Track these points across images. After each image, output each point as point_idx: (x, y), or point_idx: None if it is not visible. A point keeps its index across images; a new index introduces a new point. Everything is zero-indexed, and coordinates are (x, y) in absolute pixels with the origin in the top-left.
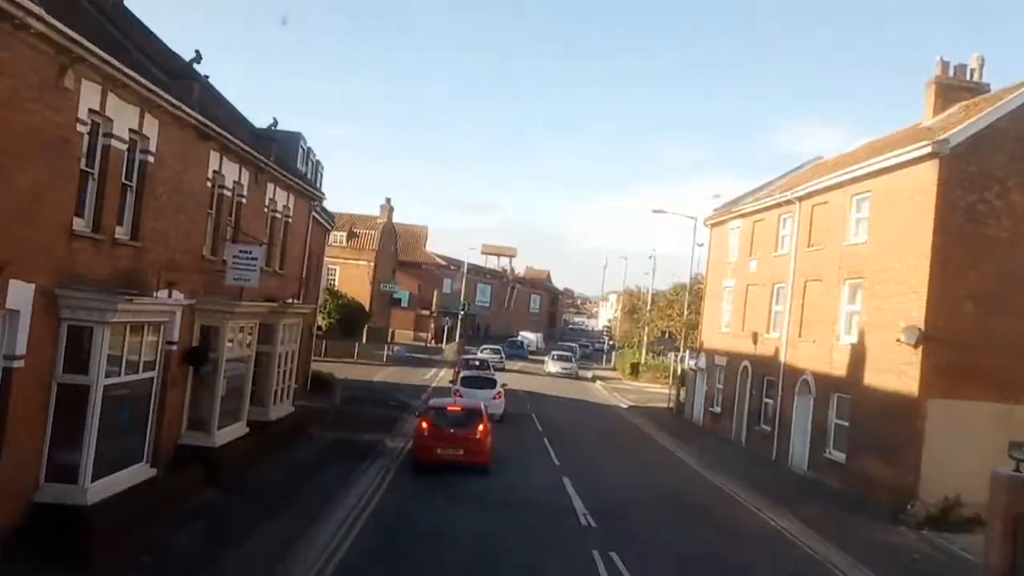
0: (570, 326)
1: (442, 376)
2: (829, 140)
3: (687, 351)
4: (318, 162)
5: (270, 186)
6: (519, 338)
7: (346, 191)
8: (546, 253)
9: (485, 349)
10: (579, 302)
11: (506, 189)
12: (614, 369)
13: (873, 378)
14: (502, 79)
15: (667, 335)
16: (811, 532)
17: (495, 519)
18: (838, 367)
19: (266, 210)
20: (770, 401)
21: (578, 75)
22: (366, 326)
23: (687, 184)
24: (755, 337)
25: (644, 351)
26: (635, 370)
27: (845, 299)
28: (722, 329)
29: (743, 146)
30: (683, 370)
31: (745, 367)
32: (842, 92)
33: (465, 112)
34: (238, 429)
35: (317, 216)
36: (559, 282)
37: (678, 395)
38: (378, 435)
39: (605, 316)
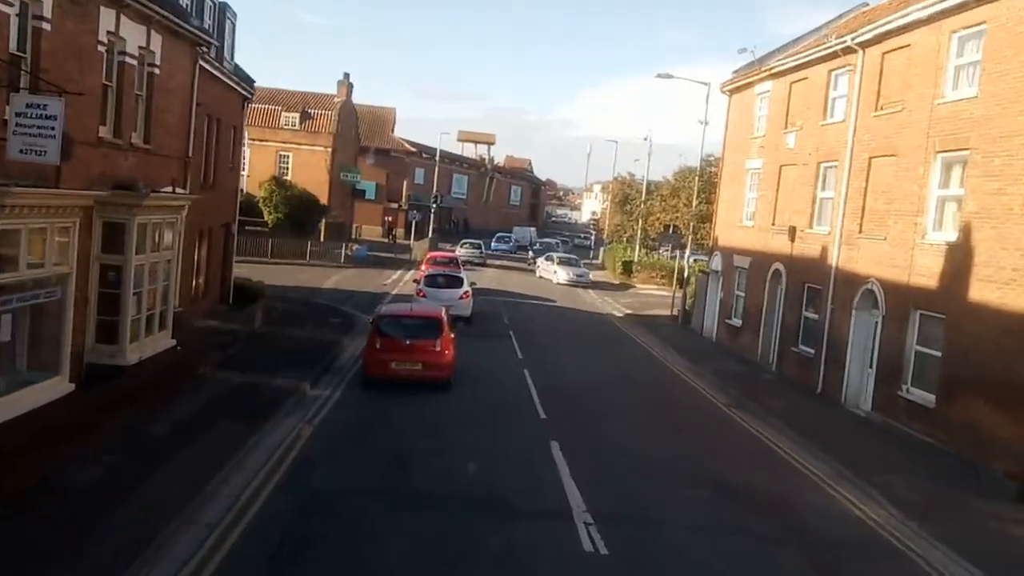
0: (552, 219)
1: (408, 279)
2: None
3: (695, 249)
4: (224, 4)
5: (106, 12)
6: (510, 234)
7: (308, 76)
8: (529, 144)
9: (465, 244)
10: (561, 194)
11: (487, 78)
12: (602, 268)
13: (985, 292)
14: None
15: (671, 229)
16: (910, 523)
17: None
18: (923, 274)
19: (101, 48)
20: (813, 316)
21: None
22: (323, 222)
23: (685, 70)
24: (792, 232)
25: (638, 247)
26: (627, 269)
27: (936, 180)
28: (743, 222)
29: (741, 26)
30: (689, 272)
31: (777, 270)
32: None
33: None
34: (51, 388)
35: (218, 74)
36: (541, 173)
37: (684, 302)
38: (299, 375)
39: (590, 208)
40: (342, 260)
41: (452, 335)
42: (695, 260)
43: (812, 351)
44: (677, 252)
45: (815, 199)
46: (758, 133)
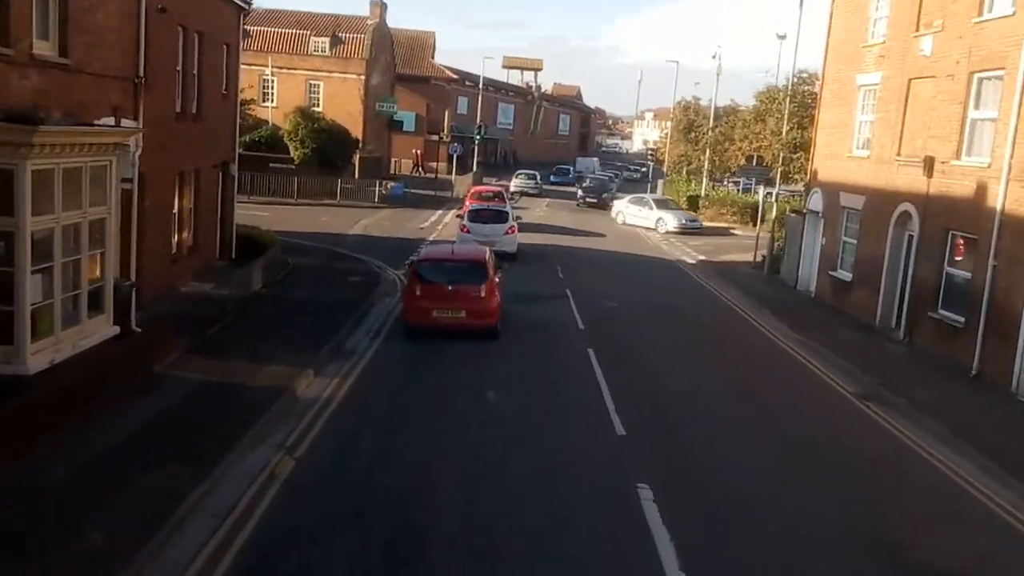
0: (603, 148)
1: (448, 222)
2: None
3: (785, 183)
4: None
5: None
6: (568, 165)
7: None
8: (575, 72)
9: (520, 175)
10: (611, 123)
11: (528, 5)
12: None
13: None
14: None
15: (754, 160)
16: None
17: None
18: None
19: None
20: (963, 273)
21: None
22: (357, 157)
23: None
24: (929, 164)
25: (705, 180)
26: (693, 205)
27: None
28: (853, 152)
29: None
30: (771, 209)
31: (904, 213)
32: None
33: None
34: None
35: None
36: (589, 102)
37: (771, 247)
38: (294, 359)
39: (641, 137)
40: (376, 199)
41: (498, 279)
42: (780, 195)
43: (961, 319)
44: (758, 186)
45: (965, 121)
46: (874, 39)
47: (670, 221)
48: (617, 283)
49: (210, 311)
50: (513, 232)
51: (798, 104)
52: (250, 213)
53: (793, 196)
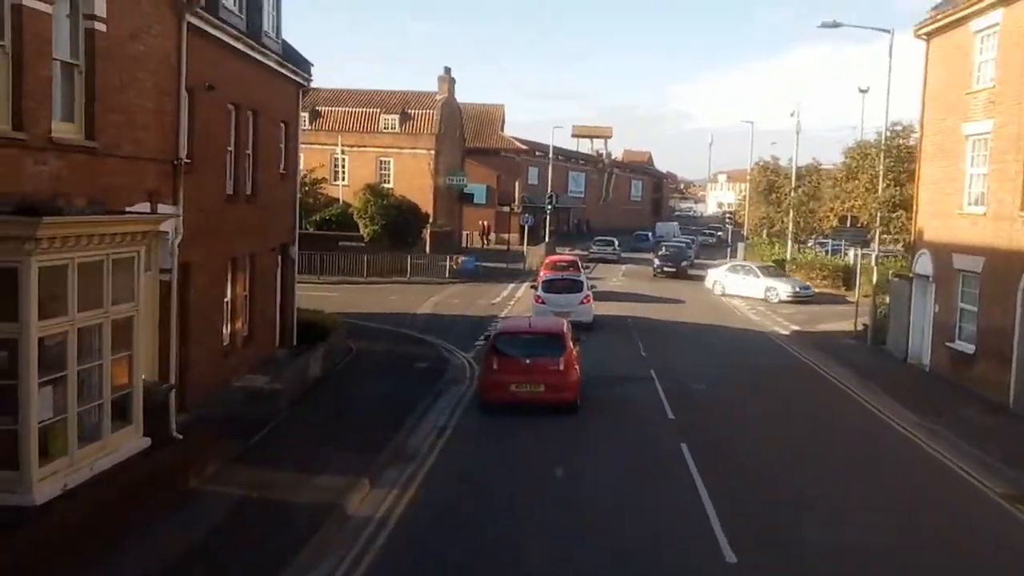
0: (676, 213)
1: (521, 296)
2: None
3: (883, 244)
4: None
5: None
6: (647, 232)
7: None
8: (643, 139)
9: (598, 242)
10: (682, 186)
11: (593, 76)
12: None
13: None
14: None
15: (848, 221)
16: None
17: None
18: None
19: None
20: None
21: None
22: (428, 231)
23: (797, 52)
24: None
25: (790, 242)
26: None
27: None
28: (965, 208)
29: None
30: (877, 275)
31: None
32: None
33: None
34: None
35: (246, 49)
36: (659, 167)
37: (874, 316)
38: (349, 467)
39: (715, 200)
40: (446, 275)
41: (576, 350)
42: (879, 257)
43: None
44: (849, 247)
45: None
46: (980, 84)
47: (782, 290)
48: (705, 360)
49: (261, 410)
50: (588, 301)
51: (894, 159)
52: (318, 295)
53: (889, 257)
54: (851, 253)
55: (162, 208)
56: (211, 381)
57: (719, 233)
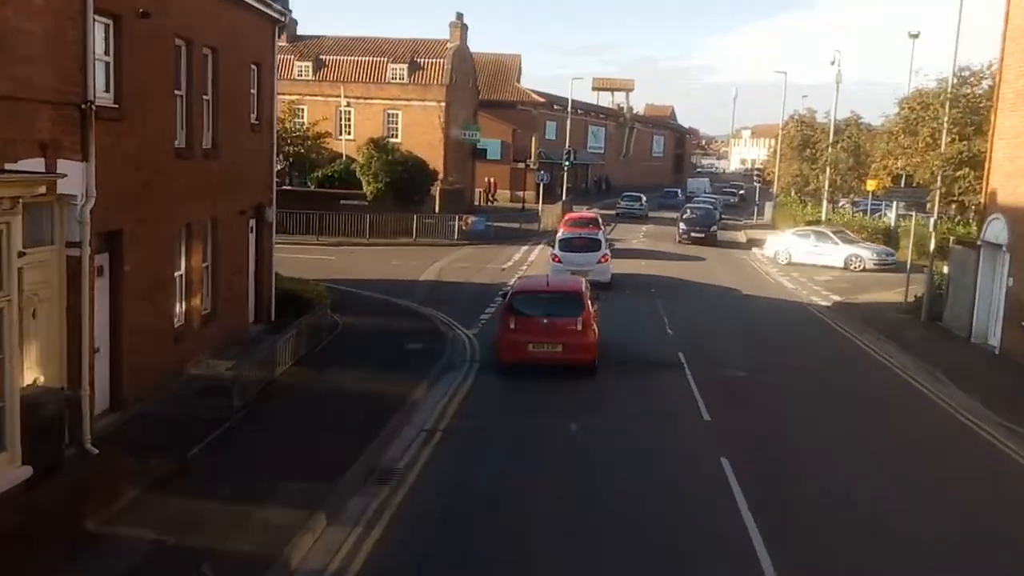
0: (698, 169)
1: (535, 259)
2: None
3: (946, 208)
4: None
5: None
6: (677, 188)
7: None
8: (665, 93)
9: (625, 197)
10: (704, 143)
11: (613, 28)
12: (773, 228)
13: None
14: None
15: (903, 181)
16: None
17: None
18: None
19: None
20: None
21: None
22: (438, 189)
23: (810, 12)
24: None
25: (825, 203)
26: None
27: None
28: None
29: None
30: (934, 241)
31: None
32: None
33: None
34: None
35: None
36: (681, 122)
37: (929, 288)
38: (302, 497)
39: (738, 156)
40: (455, 236)
41: (595, 309)
42: (933, 220)
43: None
44: (906, 212)
45: None
46: None
47: (867, 258)
48: (739, 338)
49: (215, 405)
50: (606, 260)
51: (960, 110)
52: (313, 258)
53: (943, 219)
54: (890, 214)
55: (64, 165)
56: (157, 370)
57: (741, 191)
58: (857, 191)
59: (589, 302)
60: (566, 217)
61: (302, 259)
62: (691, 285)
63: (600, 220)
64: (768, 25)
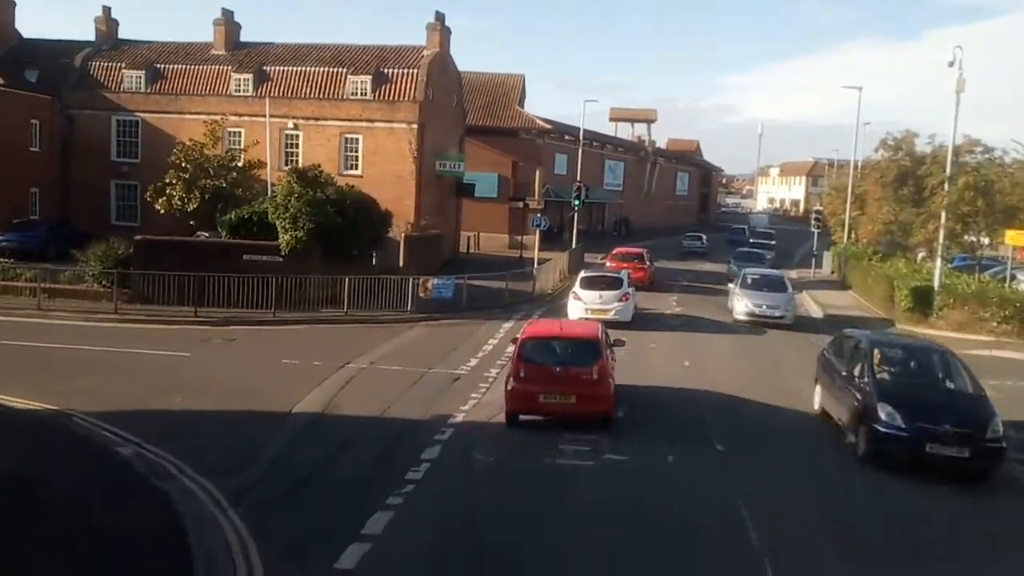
0: (722, 209)
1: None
2: None
3: None
4: None
5: None
6: (743, 225)
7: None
8: (685, 133)
9: (687, 237)
10: (724, 180)
11: (630, 70)
12: (843, 286)
13: None
14: None
15: None
16: None
17: None
18: None
19: None
20: None
21: None
22: (403, 236)
23: (830, 53)
24: None
25: (938, 263)
26: (923, 301)
27: None
28: None
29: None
30: None
31: None
32: None
33: None
34: None
35: None
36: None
37: None
38: None
39: (765, 195)
40: (410, 306)
41: (612, 359)
42: None
43: None
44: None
45: None
46: None
47: None
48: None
49: None
50: (628, 299)
51: None
52: (158, 354)
53: None
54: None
55: None
56: None
57: (772, 242)
58: (976, 242)
59: (605, 349)
60: (614, 251)
61: (132, 355)
62: (780, 419)
63: (647, 254)
64: (786, 67)
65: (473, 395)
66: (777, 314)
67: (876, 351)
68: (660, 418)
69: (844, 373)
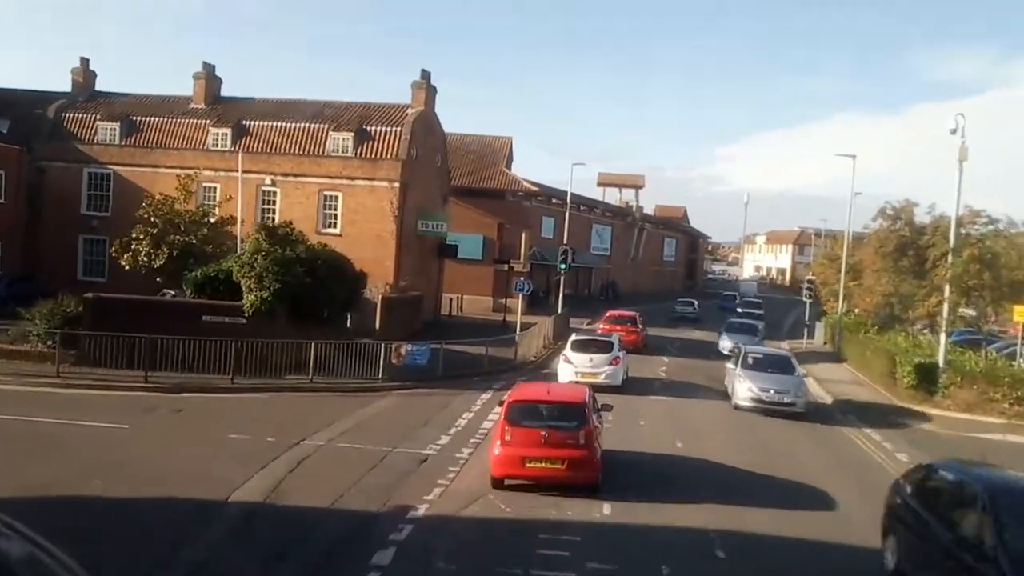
0: (709, 276)
1: (492, 426)
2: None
3: None
4: None
5: None
6: (735, 292)
7: None
8: (671, 201)
9: (680, 303)
10: (710, 248)
11: (615, 139)
12: (838, 358)
13: None
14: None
15: None
16: None
17: None
18: None
19: None
20: None
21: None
22: (380, 297)
23: (817, 125)
24: None
25: (943, 338)
26: (927, 378)
27: None
28: None
29: (878, 75)
30: None
31: None
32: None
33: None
34: None
35: None
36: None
37: None
38: None
39: (751, 263)
40: (380, 374)
41: (599, 424)
42: None
43: None
44: None
45: None
46: None
47: None
48: None
49: None
50: (618, 363)
51: None
52: (92, 426)
53: None
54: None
55: None
56: None
57: (759, 311)
58: (979, 315)
59: (592, 414)
60: (607, 314)
61: (68, 431)
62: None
63: (639, 319)
64: (773, 137)
65: (440, 481)
66: (787, 400)
67: (1002, 505)
68: (655, 512)
69: (949, 536)
